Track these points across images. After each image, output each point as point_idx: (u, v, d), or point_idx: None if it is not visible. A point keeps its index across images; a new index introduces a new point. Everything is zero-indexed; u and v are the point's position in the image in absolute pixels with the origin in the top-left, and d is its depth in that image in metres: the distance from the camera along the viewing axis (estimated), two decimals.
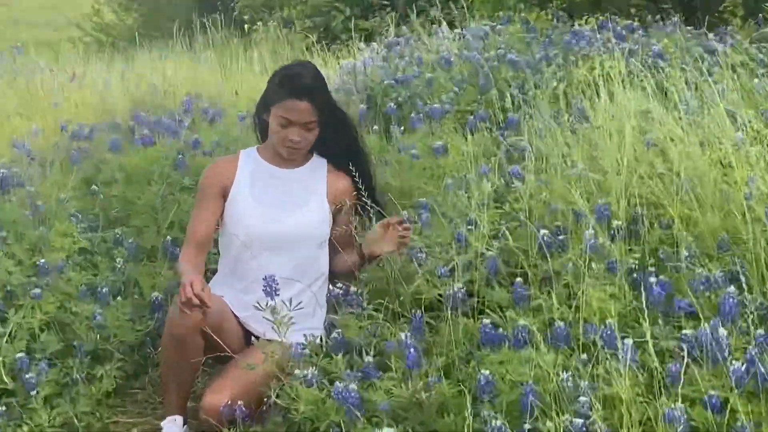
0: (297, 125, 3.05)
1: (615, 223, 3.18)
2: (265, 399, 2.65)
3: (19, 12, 32.82)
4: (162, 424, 3.07)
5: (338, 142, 3.27)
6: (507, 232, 3.37)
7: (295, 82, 3.11)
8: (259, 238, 3.10)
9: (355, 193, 3.22)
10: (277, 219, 3.15)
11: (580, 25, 6.90)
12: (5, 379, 2.99)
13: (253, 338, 2.96)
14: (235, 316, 3.09)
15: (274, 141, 3.19)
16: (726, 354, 2.25)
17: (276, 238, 3.13)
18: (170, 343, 2.93)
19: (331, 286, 3.19)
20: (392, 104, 5.67)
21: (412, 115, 5.42)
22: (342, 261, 3.19)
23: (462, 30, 7.58)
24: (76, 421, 3.08)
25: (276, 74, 3.23)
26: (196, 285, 2.74)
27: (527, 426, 2.13)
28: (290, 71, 3.25)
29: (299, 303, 2.85)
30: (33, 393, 2.97)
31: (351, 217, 3.20)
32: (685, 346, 2.30)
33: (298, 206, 3.20)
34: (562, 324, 2.54)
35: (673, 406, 2.03)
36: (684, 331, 2.37)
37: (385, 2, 11.89)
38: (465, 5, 8.85)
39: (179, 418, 3.01)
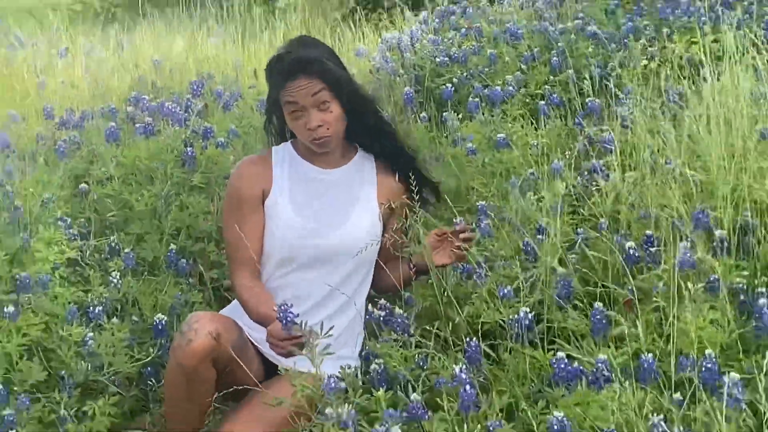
0: (308, 107, 3.06)
1: (718, 232, 3.15)
2: None
3: None
4: None
5: (376, 135, 3.29)
6: (584, 244, 3.40)
7: (284, 61, 3.15)
8: (303, 253, 3.15)
9: (411, 192, 3.20)
10: (324, 231, 3.17)
11: None
12: None
13: (280, 368, 2.92)
14: (254, 344, 3.12)
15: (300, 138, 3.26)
16: None
17: (323, 253, 3.16)
18: (177, 375, 2.95)
19: (370, 307, 3.20)
20: (447, 86, 5.68)
21: (470, 99, 5.40)
22: (386, 276, 3.21)
23: None
24: None
25: (269, 64, 3.26)
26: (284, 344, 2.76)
27: None
28: (277, 53, 3.29)
29: (331, 328, 2.80)
30: None
31: (403, 224, 3.22)
32: None
33: (347, 214, 3.22)
34: (651, 357, 2.54)
35: None
36: None
37: None
38: None
39: None
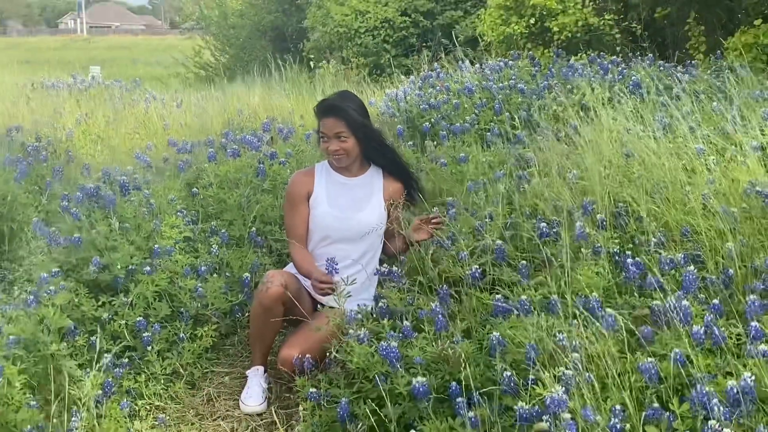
0: (331, 137, 3.05)
1: (599, 216, 3.06)
2: (328, 354, 2.61)
3: (137, 53, 33.24)
4: (247, 372, 3.06)
5: (382, 155, 3.24)
6: (514, 225, 3.30)
7: (321, 106, 3.13)
8: (335, 232, 3.11)
9: (405, 192, 3.18)
10: (349, 217, 3.13)
11: (575, 60, 6.65)
12: (128, 337, 2.99)
13: (319, 306, 2.92)
14: (307, 290, 3.07)
15: (325, 156, 3.23)
16: (688, 319, 2.17)
17: (348, 232, 3.11)
18: (259, 310, 2.92)
19: (377, 266, 3.16)
20: (426, 124, 5.58)
21: (441, 132, 5.31)
22: (392, 246, 3.19)
23: (481, 65, 7.40)
24: (181, 370, 3.06)
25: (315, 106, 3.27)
26: (326, 278, 2.80)
27: (531, 376, 2.05)
28: (321, 101, 3.28)
29: (354, 279, 2.82)
30: (149, 348, 2.96)
31: (400, 213, 3.14)
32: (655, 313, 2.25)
33: (363, 207, 3.17)
34: (557, 297, 2.46)
35: (645, 360, 1.97)
36: (655, 302, 2.28)
37: (423, 44, 11.85)
38: (483, 46, 8.71)
39: (261, 368, 2.99)
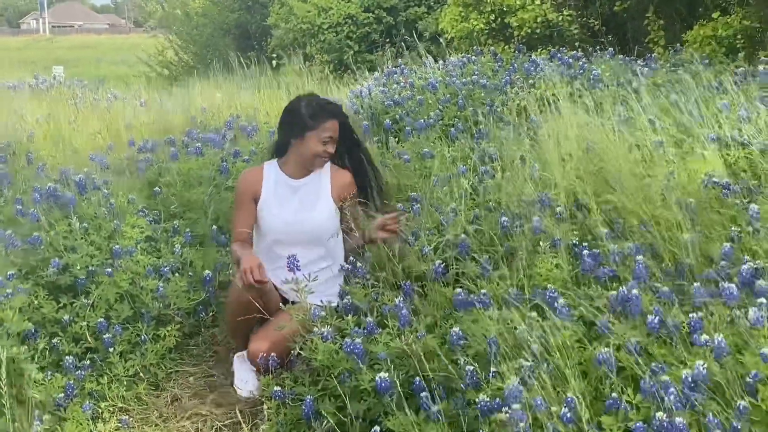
0: (334, 140, 3.07)
1: (558, 209, 3.07)
2: (292, 351, 2.62)
3: (101, 53, 33.02)
4: (234, 357, 3.08)
5: (355, 154, 3.27)
6: (478, 220, 3.31)
7: (331, 108, 3.13)
8: (287, 236, 3.08)
9: (357, 184, 3.18)
10: (299, 221, 3.11)
11: (536, 55, 6.76)
12: (89, 339, 2.98)
13: (282, 304, 2.90)
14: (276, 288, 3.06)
15: (305, 157, 3.13)
16: (640, 309, 2.19)
17: (300, 236, 3.08)
18: (238, 306, 2.91)
19: (342, 263, 3.15)
20: (389, 120, 5.61)
21: (406, 128, 5.31)
22: (350, 243, 3.17)
23: (445, 62, 7.46)
24: (144, 371, 3.06)
25: (305, 106, 3.17)
26: (255, 270, 2.76)
27: (492, 369, 2.06)
28: (321, 101, 3.23)
29: (316, 277, 2.82)
30: (111, 349, 2.94)
31: (355, 207, 3.13)
32: (611, 303, 2.27)
33: (311, 209, 3.15)
34: (516, 290, 2.48)
35: (602, 350, 1.98)
36: (611, 292, 2.29)
37: (386, 41, 11.87)
38: (445, 42, 8.75)
39: (245, 353, 2.99)
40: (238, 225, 3.18)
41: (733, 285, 2.17)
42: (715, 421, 1.70)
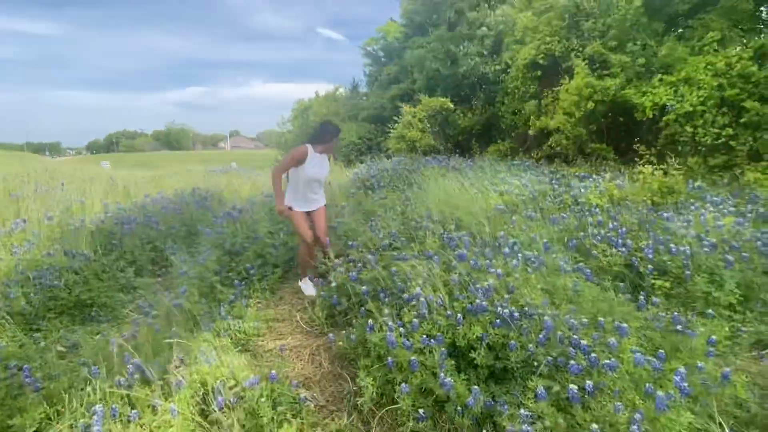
0: (337, 141, 5.22)
1: (434, 218, 5.58)
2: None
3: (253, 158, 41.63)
4: (300, 283, 5.62)
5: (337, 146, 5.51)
6: (404, 222, 5.80)
7: (338, 130, 5.36)
8: (314, 179, 5.29)
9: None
10: (320, 173, 5.30)
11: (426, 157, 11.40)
12: (244, 273, 5.26)
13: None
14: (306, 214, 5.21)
15: (327, 148, 5.29)
16: (466, 256, 4.57)
17: (319, 179, 5.32)
18: (302, 253, 5.33)
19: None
20: (370, 183, 8.81)
21: (375, 187, 8.38)
22: None
23: (391, 159, 13.06)
24: (269, 286, 5.44)
25: (330, 126, 5.26)
26: (284, 213, 4.96)
27: (409, 284, 4.36)
28: (336, 126, 5.35)
29: (323, 196, 5.28)
30: (254, 277, 5.26)
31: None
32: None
33: (325, 168, 5.38)
34: (417, 252, 4.92)
35: (455, 274, 4.35)
36: (457, 251, 4.81)
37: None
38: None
39: (307, 278, 5.49)
40: (282, 170, 5.09)
41: (507, 249, 4.72)
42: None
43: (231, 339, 4.31)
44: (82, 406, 3.30)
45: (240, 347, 4.30)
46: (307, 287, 5.44)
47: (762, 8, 8.63)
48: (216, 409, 3.25)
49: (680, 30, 9.36)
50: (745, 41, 8.52)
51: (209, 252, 5.51)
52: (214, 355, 3.69)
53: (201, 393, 3.49)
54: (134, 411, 3.21)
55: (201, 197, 8.78)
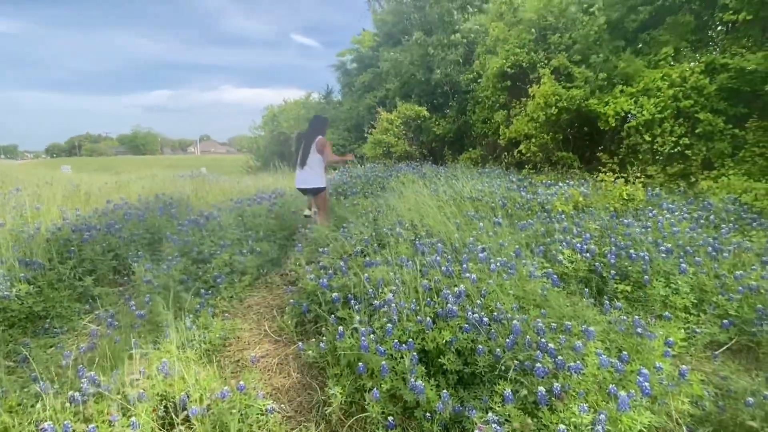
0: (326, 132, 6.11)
1: (405, 224, 5.75)
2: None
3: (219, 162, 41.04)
4: (317, 217, 6.58)
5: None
6: (376, 229, 5.94)
7: (328, 120, 6.23)
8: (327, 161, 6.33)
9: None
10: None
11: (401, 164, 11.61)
12: (209, 282, 5.59)
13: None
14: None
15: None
16: (439, 261, 4.99)
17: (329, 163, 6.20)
18: (327, 210, 6.02)
19: None
20: (342, 189, 8.99)
21: (348, 193, 8.53)
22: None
23: (364, 167, 13.18)
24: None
25: (323, 119, 6.72)
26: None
27: (381, 290, 4.83)
28: (326, 117, 6.78)
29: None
30: (221, 284, 5.51)
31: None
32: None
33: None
34: (390, 258, 5.14)
35: (426, 281, 4.90)
36: (428, 257, 5.18)
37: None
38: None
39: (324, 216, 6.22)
40: (328, 153, 6.47)
41: (481, 254, 5.25)
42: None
43: (196, 350, 4.20)
44: (30, 423, 3.17)
45: (205, 359, 4.21)
46: (307, 211, 6.90)
47: (706, 19, 8.85)
48: (179, 422, 3.18)
49: (639, 45, 9.50)
50: (698, 56, 8.72)
51: (175, 260, 5.40)
52: (178, 367, 3.58)
53: (163, 406, 3.41)
54: (92, 426, 3.09)
55: (166, 203, 8.57)
